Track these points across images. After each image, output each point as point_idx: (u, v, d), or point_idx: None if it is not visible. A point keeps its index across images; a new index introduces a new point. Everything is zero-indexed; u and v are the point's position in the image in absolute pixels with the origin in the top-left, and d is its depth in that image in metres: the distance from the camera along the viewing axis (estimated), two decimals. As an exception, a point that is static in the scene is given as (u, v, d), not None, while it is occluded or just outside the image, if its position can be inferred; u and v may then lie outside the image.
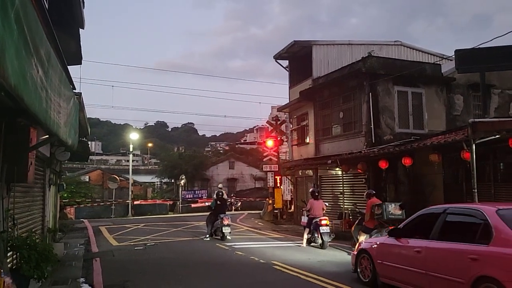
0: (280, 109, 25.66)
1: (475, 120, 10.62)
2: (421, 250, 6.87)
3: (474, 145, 10.08)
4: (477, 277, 5.69)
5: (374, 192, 13.18)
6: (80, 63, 12.54)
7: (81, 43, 10.94)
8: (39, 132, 6.81)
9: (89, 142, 20.07)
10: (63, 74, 5.29)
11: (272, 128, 25.84)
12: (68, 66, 9.47)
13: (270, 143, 24.50)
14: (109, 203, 31.99)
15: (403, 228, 7.80)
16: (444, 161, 13.08)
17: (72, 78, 9.82)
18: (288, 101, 23.21)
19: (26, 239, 6.59)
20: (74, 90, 8.55)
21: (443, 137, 12.59)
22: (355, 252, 8.94)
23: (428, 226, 7.03)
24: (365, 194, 13.49)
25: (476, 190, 10.08)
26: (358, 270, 8.59)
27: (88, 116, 13.09)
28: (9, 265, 6.18)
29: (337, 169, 17.75)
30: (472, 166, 10.17)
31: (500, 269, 5.45)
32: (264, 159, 25.80)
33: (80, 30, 10.39)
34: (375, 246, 8.30)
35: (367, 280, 8.25)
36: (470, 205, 7.21)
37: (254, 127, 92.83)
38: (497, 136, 10.21)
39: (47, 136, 6.64)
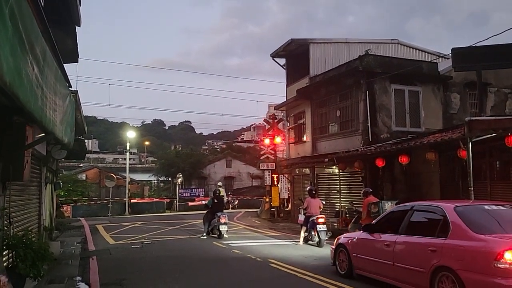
0: (277, 107, 25.65)
1: (472, 118, 10.64)
2: (390, 244, 7.48)
3: (470, 143, 10.11)
4: (436, 267, 6.34)
5: (371, 190, 13.21)
6: (77, 61, 12.50)
7: (77, 41, 10.90)
8: (35, 130, 6.79)
9: (86, 140, 20.00)
10: (58, 72, 5.26)
11: (269, 126, 25.84)
12: (64, 64, 9.43)
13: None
14: (106, 201, 31.95)
15: (376, 224, 8.40)
16: (440, 159, 13.11)
17: (69, 76, 9.80)
18: (285, 99, 23.20)
19: (22, 238, 6.57)
20: (70, 88, 8.52)
21: (440, 135, 12.62)
22: (334, 247, 9.39)
23: (398, 222, 7.67)
24: (362, 192, 13.52)
25: (472, 188, 10.10)
26: (336, 263, 9.15)
27: (84, 114, 13.08)
28: (4, 264, 6.16)
29: (334, 167, 17.76)
30: (468, 164, 10.19)
31: (454, 259, 6.11)
32: (261, 157, 25.80)
33: (77, 28, 10.34)
34: (351, 240, 8.84)
35: (343, 272, 8.83)
36: (433, 202, 7.83)
37: (251, 125, 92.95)
38: (494, 134, 10.23)
39: (43, 134, 6.62)
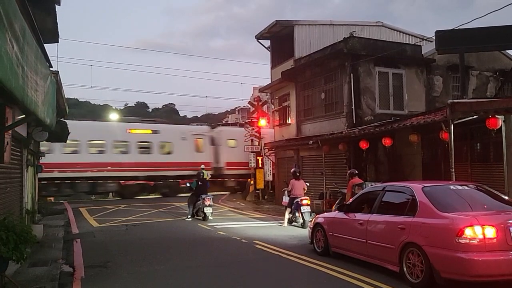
0: (262, 89, 25.55)
1: (454, 101, 10.76)
2: (363, 223, 7.84)
3: (452, 125, 10.25)
4: (404, 243, 6.73)
5: (356, 172, 13.32)
6: (57, 41, 12.16)
7: (57, 20, 10.60)
8: (15, 112, 6.65)
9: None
10: (39, 51, 5.13)
11: (254, 109, 25.74)
12: (44, 44, 9.19)
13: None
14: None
15: (351, 204, 8.72)
16: (423, 142, 13.27)
17: (49, 57, 9.56)
18: (270, 82, 23.12)
19: (3, 221, 6.47)
20: (50, 68, 8.34)
21: (423, 117, 12.75)
22: (311, 226, 9.70)
23: (371, 202, 8.06)
24: (347, 173, 13.64)
25: (453, 170, 10.27)
26: (314, 241, 9.48)
27: (66, 96, 12.82)
28: (-14, 247, 6.06)
29: (318, 149, 17.85)
30: (450, 146, 10.34)
31: (420, 236, 6.50)
32: (246, 140, 25.76)
33: (57, 7, 10.05)
34: (327, 220, 9.20)
35: (320, 250, 9.16)
36: (403, 183, 8.17)
37: (236, 108, 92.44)
38: (475, 116, 10.39)
39: (24, 115, 6.48)
